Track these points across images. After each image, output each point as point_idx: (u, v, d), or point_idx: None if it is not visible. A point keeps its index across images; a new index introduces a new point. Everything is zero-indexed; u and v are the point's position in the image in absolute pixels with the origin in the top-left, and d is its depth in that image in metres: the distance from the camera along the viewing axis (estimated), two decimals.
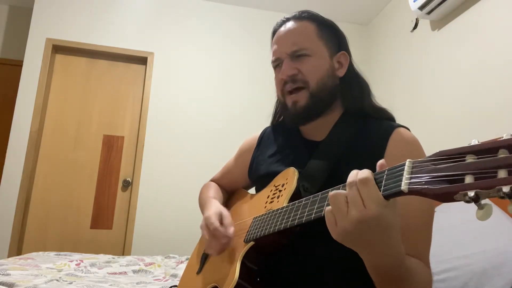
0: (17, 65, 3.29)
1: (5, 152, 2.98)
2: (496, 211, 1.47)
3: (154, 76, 3.32)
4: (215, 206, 1.00)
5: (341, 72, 0.97)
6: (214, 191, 1.17)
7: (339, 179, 0.66)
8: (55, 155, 3.11)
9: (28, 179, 2.96)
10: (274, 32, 1.01)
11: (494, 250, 1.29)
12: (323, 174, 0.87)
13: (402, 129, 0.90)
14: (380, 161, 0.59)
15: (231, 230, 0.90)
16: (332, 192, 0.59)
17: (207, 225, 0.93)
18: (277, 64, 0.99)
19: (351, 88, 0.97)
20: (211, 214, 0.94)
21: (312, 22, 0.97)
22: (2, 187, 2.93)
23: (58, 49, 3.25)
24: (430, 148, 0.81)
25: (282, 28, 0.98)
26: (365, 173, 0.57)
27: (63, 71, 3.26)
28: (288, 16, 1.00)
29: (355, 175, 0.58)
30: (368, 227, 0.56)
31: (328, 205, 0.62)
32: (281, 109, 1.04)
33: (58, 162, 3.11)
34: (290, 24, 0.97)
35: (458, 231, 1.47)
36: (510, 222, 1.41)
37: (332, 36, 0.98)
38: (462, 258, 1.33)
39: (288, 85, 0.95)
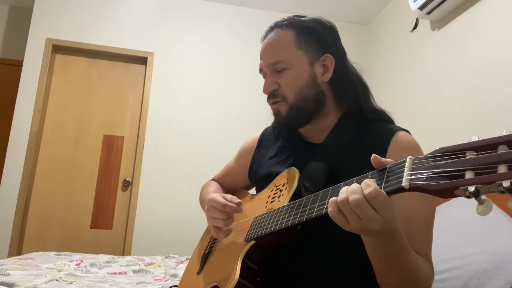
0: (17, 65, 3.29)
1: (5, 152, 2.98)
2: (496, 211, 1.47)
3: (154, 76, 3.32)
4: (216, 194, 0.99)
5: (327, 77, 0.94)
6: (214, 188, 1.17)
7: (339, 180, 0.67)
8: (55, 155, 3.11)
9: (28, 179, 2.96)
10: (262, 41, 1.02)
11: (494, 250, 1.29)
12: (323, 174, 0.87)
13: (402, 132, 0.90)
14: (373, 157, 0.60)
15: (238, 200, 0.91)
16: (336, 199, 0.61)
17: (214, 206, 0.92)
18: (262, 75, 1.00)
19: (344, 89, 0.95)
20: (215, 196, 0.94)
21: (291, 30, 0.95)
22: (2, 187, 2.93)
23: (58, 49, 3.25)
24: (429, 147, 0.81)
25: (265, 40, 0.99)
26: (359, 192, 0.58)
27: (63, 71, 3.26)
28: (272, 24, 1.00)
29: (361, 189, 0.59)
30: (379, 226, 0.59)
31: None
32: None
33: (58, 162, 3.11)
34: (270, 35, 0.97)
35: (458, 231, 1.47)
36: (510, 222, 1.41)
37: (314, 40, 0.95)
38: (462, 258, 1.33)
39: (269, 100, 0.98)
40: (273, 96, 0.96)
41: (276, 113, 0.98)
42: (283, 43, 0.94)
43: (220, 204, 0.91)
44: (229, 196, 0.94)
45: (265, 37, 0.99)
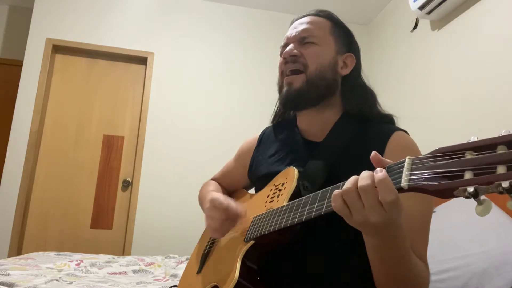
0: (17, 65, 3.29)
1: (5, 152, 2.98)
2: (496, 211, 1.47)
3: (154, 76, 3.32)
4: (218, 194, 1.00)
5: (345, 72, 0.98)
6: (214, 187, 1.17)
7: (339, 179, 0.66)
8: (55, 155, 3.11)
9: (28, 179, 2.96)
10: (292, 24, 1.05)
11: (494, 250, 1.29)
12: (323, 173, 0.87)
13: (401, 132, 0.91)
14: (373, 154, 0.59)
15: (240, 206, 0.91)
16: (340, 191, 0.59)
17: (216, 206, 0.92)
18: (284, 48, 1.00)
19: (352, 91, 0.97)
20: (218, 196, 0.94)
21: (328, 20, 1.01)
22: (2, 187, 2.93)
23: (58, 49, 3.25)
24: (429, 146, 0.81)
25: (300, 19, 1.03)
26: (369, 179, 0.57)
27: (63, 71, 3.26)
28: (307, 12, 1.04)
29: (369, 177, 0.58)
30: (381, 219, 0.58)
31: (329, 202, 0.63)
32: (278, 91, 1.04)
33: (58, 162, 3.11)
34: (306, 17, 1.02)
35: (458, 231, 1.47)
36: (510, 222, 1.41)
37: (344, 37, 1.01)
38: (462, 258, 1.33)
39: (288, 65, 0.97)
40: (293, 61, 0.96)
41: (287, 85, 0.97)
42: (320, 24, 0.99)
43: (223, 206, 0.91)
44: (234, 206, 0.93)
45: (297, 19, 1.03)
